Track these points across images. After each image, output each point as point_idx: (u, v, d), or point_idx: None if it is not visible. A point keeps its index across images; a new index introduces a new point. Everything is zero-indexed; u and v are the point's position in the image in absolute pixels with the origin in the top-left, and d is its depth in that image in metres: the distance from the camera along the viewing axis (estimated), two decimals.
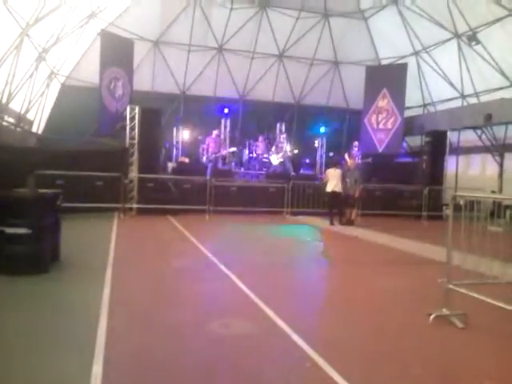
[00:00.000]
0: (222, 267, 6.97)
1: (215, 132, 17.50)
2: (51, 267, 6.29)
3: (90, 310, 4.67)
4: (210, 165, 16.74)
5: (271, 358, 3.79)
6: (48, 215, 6.33)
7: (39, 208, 6.23)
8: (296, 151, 18.74)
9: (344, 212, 13.42)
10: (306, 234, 12.22)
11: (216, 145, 17.23)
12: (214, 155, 17.06)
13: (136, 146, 14.29)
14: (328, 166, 19.44)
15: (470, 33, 17.26)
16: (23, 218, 5.99)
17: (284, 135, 19.28)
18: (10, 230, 5.90)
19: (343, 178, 13.26)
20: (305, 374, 3.50)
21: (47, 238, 6.26)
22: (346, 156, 18.12)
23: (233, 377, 3.43)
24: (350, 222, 13.20)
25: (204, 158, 17.37)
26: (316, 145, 21.38)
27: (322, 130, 21.77)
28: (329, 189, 13.16)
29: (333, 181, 13.13)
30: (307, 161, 21.36)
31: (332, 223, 13.05)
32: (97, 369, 3.34)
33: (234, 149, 19.24)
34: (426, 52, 20.29)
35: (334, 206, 13.31)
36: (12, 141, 15.11)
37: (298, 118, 23.86)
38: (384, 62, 22.74)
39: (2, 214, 5.98)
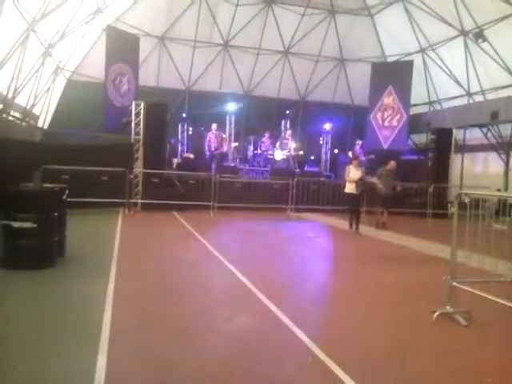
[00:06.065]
0: (227, 263, 6.99)
1: (214, 126, 17.09)
2: (57, 261, 6.33)
3: (96, 303, 4.72)
4: (214, 161, 16.67)
5: (273, 351, 3.81)
6: (54, 210, 6.35)
7: (45, 202, 6.27)
8: (301, 152, 18.71)
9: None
10: (310, 230, 12.21)
11: (217, 140, 17.00)
12: (217, 152, 16.97)
13: (141, 142, 14.32)
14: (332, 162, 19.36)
15: (477, 30, 17.15)
16: (29, 213, 6.02)
17: (289, 132, 19.23)
18: (16, 225, 5.93)
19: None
20: (307, 369, 3.52)
21: (53, 233, 6.30)
22: (350, 154, 18.03)
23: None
24: (383, 226, 12.02)
25: (207, 154, 17.30)
26: (321, 141, 21.35)
27: (327, 126, 21.73)
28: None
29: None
30: (312, 157, 21.34)
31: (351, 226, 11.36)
32: (101, 358, 3.45)
33: (235, 144, 19.23)
34: (433, 49, 20.20)
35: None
36: (18, 135, 15.17)
37: (303, 114, 23.84)
38: (390, 59, 22.66)
39: (9, 209, 6.01)
